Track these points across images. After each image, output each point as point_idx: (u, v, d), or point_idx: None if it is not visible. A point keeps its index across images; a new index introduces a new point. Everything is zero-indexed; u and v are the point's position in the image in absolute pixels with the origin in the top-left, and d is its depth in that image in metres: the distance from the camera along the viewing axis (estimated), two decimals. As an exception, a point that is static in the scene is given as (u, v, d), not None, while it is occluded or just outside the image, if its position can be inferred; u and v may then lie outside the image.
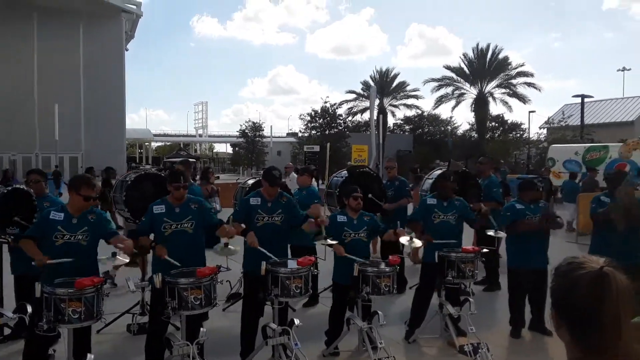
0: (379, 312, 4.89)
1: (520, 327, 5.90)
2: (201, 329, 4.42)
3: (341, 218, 5.31)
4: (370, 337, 4.89)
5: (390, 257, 5.03)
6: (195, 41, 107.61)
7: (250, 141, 46.55)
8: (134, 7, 39.04)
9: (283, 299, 4.62)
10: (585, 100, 33.91)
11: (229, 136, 63.42)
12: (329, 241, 5.06)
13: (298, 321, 4.68)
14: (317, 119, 39.29)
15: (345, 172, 7.83)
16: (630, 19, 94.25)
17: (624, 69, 48.06)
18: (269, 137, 48.59)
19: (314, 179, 7.60)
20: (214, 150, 77.79)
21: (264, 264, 4.55)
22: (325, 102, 39.37)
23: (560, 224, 5.94)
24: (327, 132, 38.27)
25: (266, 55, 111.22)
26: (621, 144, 14.97)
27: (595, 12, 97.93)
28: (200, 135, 66.82)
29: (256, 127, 47.11)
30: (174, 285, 4.14)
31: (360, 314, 5.07)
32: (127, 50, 40.63)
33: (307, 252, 5.79)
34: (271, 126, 67.98)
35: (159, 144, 72.13)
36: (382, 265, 5.04)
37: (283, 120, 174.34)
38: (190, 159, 13.90)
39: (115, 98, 38.41)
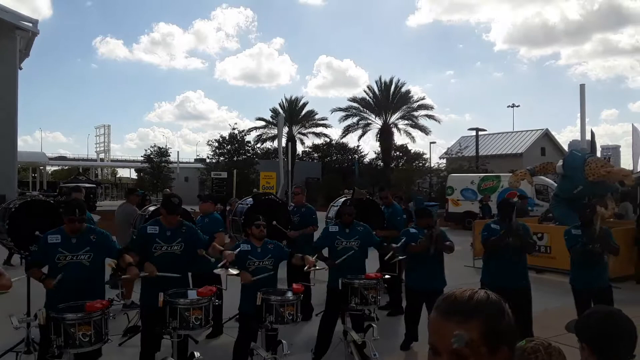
0: (283, 342, 4.80)
1: (410, 341, 6.19)
2: None
3: (245, 247, 5.21)
4: (273, 368, 4.78)
5: (294, 285, 4.99)
6: (98, 62, 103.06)
7: (156, 166, 44.97)
8: (30, 24, 36.76)
9: (182, 332, 4.41)
10: (480, 133, 36.31)
11: (134, 161, 60.89)
12: (231, 270, 4.93)
13: (198, 354, 4.49)
14: (225, 145, 38.87)
15: (251, 199, 7.76)
16: (519, 61, 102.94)
17: (513, 106, 52.00)
18: (175, 162, 47.27)
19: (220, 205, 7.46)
20: (117, 175, 74.29)
21: (161, 295, 4.33)
22: (234, 129, 39.18)
23: (450, 247, 6.22)
24: (235, 158, 37.93)
25: (174, 79, 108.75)
26: (511, 174, 16.10)
27: (487, 54, 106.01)
28: (102, 160, 63.63)
29: (162, 152, 45.62)
30: (59, 321, 3.82)
31: (264, 344, 4.96)
32: (21, 69, 38.01)
33: (210, 281, 5.61)
34: (178, 151, 66.35)
35: (56, 167, 67.75)
36: (287, 294, 4.98)
37: (191, 146, 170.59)
38: (89, 185, 13.15)
39: (6, 119, 35.71)
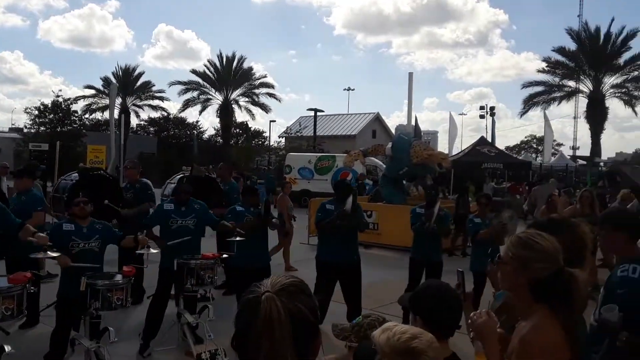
0: (110, 329, 4.46)
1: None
2: None
3: (68, 226, 4.72)
4: (98, 357, 4.44)
5: (124, 267, 4.66)
6: None
7: (-41, 135, 39.07)
8: None
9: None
10: (318, 114, 37.63)
11: None
12: (50, 253, 4.43)
13: (9, 348, 3.98)
14: (47, 114, 35.09)
15: (76, 174, 7.07)
16: (355, 46, 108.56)
17: (349, 89, 54.87)
18: (-16, 130, 41.52)
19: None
20: None
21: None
22: (58, 96, 35.43)
23: (276, 224, 6.44)
24: (59, 129, 34.45)
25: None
26: (345, 154, 16.96)
27: (328, 37, 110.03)
28: None
29: (-33, 119, 39.71)
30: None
31: (87, 332, 4.57)
32: None
33: (26, 266, 4.99)
34: (-12, 118, 58.18)
35: None
36: (116, 277, 4.64)
37: (6, 113, 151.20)
38: None
39: None
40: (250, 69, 43.79)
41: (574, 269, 2.00)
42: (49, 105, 35.09)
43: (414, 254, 6.72)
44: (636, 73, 33.86)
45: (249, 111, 43.96)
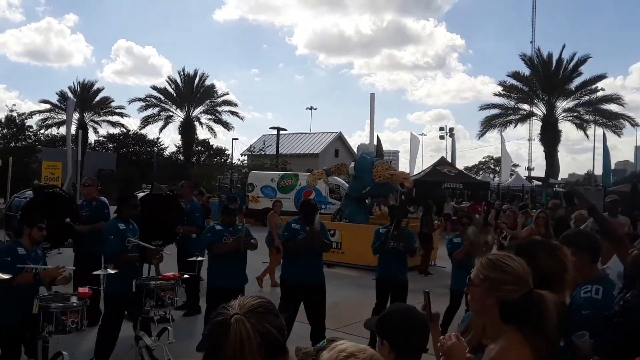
0: (64, 353, 4.28)
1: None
2: None
3: (22, 250, 4.52)
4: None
5: (79, 289, 4.49)
6: None
7: None
8: None
9: None
10: (281, 132, 37.60)
11: None
12: (2, 275, 4.22)
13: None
14: (1, 128, 33.91)
15: (30, 192, 6.81)
16: (317, 66, 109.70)
17: (311, 108, 55.08)
18: None
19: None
20: None
21: None
22: (12, 111, 34.31)
23: (255, 244, 6.29)
24: (12, 144, 33.31)
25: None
26: (308, 173, 16.97)
27: (290, 56, 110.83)
28: None
29: None
30: None
31: (40, 357, 4.35)
32: None
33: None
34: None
35: None
36: (71, 299, 4.45)
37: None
38: None
39: None
40: (213, 86, 43.59)
41: (547, 291, 2.01)
42: (2, 120, 33.98)
43: (380, 273, 6.70)
44: (587, 97, 35.29)
45: (210, 129, 43.62)
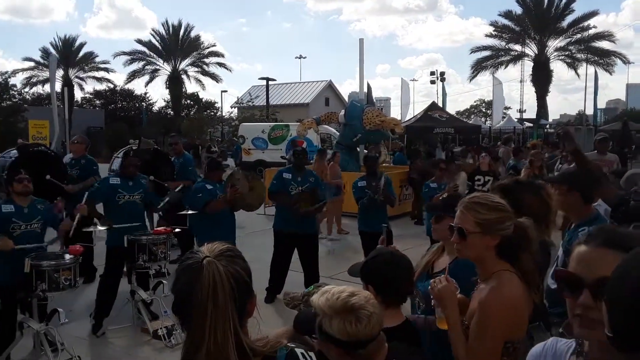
0: (60, 310, 4.31)
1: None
2: None
3: (7, 207, 4.47)
4: (49, 340, 4.29)
5: (70, 246, 4.48)
6: None
7: None
8: None
9: None
10: (270, 83, 37.06)
11: None
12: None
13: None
14: (-17, 88, 33.23)
15: (15, 151, 6.71)
16: (306, 13, 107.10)
17: (300, 57, 54.22)
18: None
19: None
20: None
21: None
22: (-5, 70, 33.53)
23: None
24: (-3, 104, 32.74)
25: None
26: (298, 123, 16.80)
27: (278, 4, 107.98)
28: None
29: None
30: None
31: (36, 315, 4.40)
32: None
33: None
34: None
35: None
36: (63, 257, 4.45)
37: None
38: None
39: None
40: (198, 37, 42.65)
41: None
42: (-15, 80, 33.24)
43: (363, 226, 6.61)
44: (579, 36, 34.84)
45: (199, 81, 42.96)
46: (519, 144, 17.85)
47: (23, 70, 40.81)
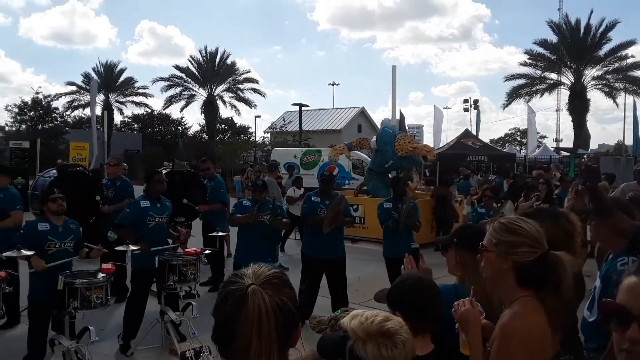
0: (91, 328, 4.36)
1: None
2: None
3: (43, 226, 4.59)
4: (78, 357, 4.34)
5: (103, 265, 4.55)
6: None
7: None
8: None
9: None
10: (303, 108, 37.43)
11: None
12: (24, 252, 4.30)
13: None
14: (27, 111, 34.52)
15: (54, 171, 6.92)
16: (340, 41, 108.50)
17: (333, 84, 54.90)
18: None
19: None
20: None
21: None
22: (37, 93, 34.85)
23: (285, 223, 6.38)
24: (40, 126, 33.93)
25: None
26: (330, 148, 16.88)
27: (312, 32, 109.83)
28: None
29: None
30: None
31: (67, 332, 4.46)
32: None
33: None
34: (-32, 117, 57.21)
35: None
36: (96, 275, 4.52)
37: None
38: None
39: None
40: (234, 64, 43.40)
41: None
42: (29, 102, 34.54)
43: (388, 252, 6.50)
44: (616, 65, 34.17)
45: (233, 107, 43.62)
46: (562, 173, 17.23)
47: (65, 94, 42.29)
